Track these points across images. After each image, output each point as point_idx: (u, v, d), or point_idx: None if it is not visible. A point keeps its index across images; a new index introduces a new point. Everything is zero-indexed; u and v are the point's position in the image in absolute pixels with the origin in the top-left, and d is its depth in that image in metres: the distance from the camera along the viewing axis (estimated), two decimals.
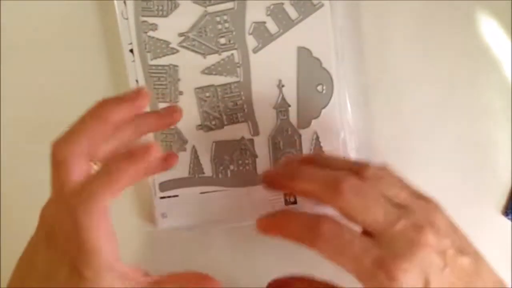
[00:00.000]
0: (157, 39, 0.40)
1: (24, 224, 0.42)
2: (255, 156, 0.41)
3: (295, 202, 0.42)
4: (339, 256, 0.32)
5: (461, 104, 0.42)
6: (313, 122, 0.41)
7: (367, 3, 0.41)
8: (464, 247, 0.33)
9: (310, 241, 0.32)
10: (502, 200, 0.43)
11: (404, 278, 0.30)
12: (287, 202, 0.42)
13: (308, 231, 0.32)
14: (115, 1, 0.40)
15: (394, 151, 0.42)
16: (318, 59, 0.40)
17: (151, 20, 0.40)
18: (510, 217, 0.43)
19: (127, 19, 0.40)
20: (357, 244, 0.31)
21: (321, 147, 0.41)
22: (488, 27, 0.41)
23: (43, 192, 0.37)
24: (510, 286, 0.35)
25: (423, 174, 0.42)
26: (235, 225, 0.42)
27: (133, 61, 0.40)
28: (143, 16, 0.40)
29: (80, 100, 0.42)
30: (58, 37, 0.42)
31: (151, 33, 0.40)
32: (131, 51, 0.40)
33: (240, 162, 0.41)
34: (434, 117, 0.42)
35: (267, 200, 0.41)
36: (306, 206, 0.41)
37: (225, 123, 0.41)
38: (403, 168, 0.43)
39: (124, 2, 0.40)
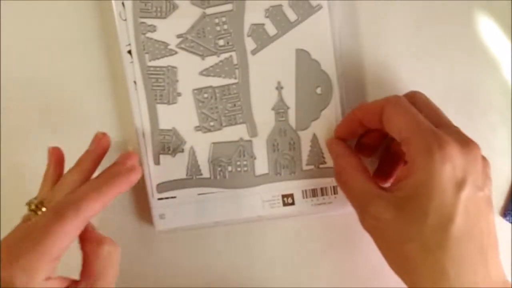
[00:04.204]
0: (156, 40, 0.40)
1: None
2: (253, 157, 0.41)
3: (293, 203, 0.42)
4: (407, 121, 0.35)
5: (459, 104, 0.42)
6: (312, 124, 0.41)
7: (365, 5, 0.41)
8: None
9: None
10: (501, 202, 0.43)
11: (450, 164, 0.33)
12: (285, 203, 0.42)
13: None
14: (113, 2, 0.39)
15: None
16: (317, 61, 0.40)
17: (149, 21, 0.40)
18: (508, 218, 0.43)
19: (125, 20, 0.40)
20: (425, 121, 0.34)
21: (320, 148, 0.41)
22: (488, 27, 0.41)
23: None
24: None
25: None
26: (233, 226, 0.42)
27: (131, 62, 0.40)
28: (141, 17, 0.40)
29: (79, 101, 0.42)
30: (57, 39, 0.42)
31: (149, 35, 0.40)
32: (129, 52, 0.40)
33: (238, 163, 0.41)
34: None
35: (265, 201, 0.42)
36: (303, 206, 0.42)
37: (223, 124, 0.41)
38: None
39: (123, 3, 0.39)
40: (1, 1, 0.42)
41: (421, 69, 0.42)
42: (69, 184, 0.36)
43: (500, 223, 0.43)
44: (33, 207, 0.35)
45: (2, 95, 0.42)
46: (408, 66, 0.42)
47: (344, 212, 0.42)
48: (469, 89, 0.42)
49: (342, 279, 0.44)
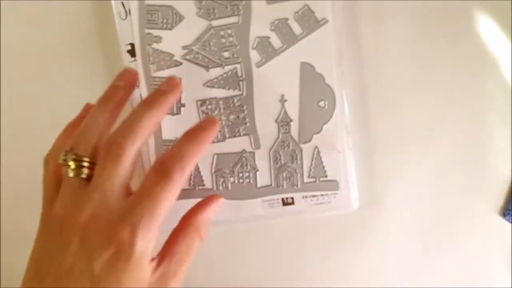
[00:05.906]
0: (161, 51, 0.40)
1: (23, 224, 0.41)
2: (256, 169, 0.42)
3: (292, 203, 0.42)
4: None
5: (460, 105, 0.42)
6: (315, 137, 0.41)
7: (367, 19, 0.42)
8: None
9: None
10: (501, 202, 0.43)
11: None
12: (284, 203, 0.42)
13: None
14: (112, 2, 0.40)
15: (393, 165, 0.43)
16: (321, 75, 0.40)
17: (155, 32, 0.40)
18: (508, 218, 0.43)
19: (125, 19, 0.40)
20: None
21: (321, 162, 0.41)
22: (488, 27, 0.41)
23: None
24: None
25: (422, 178, 0.43)
26: (233, 226, 0.43)
27: (131, 62, 0.40)
28: (147, 28, 0.40)
29: (80, 105, 0.42)
30: (57, 39, 0.42)
31: (155, 45, 0.40)
32: (129, 52, 0.40)
33: (240, 175, 0.42)
34: (433, 121, 0.43)
35: (264, 200, 0.42)
36: (303, 206, 0.42)
37: (227, 135, 0.41)
38: (402, 177, 0.43)
39: (122, 3, 0.40)
40: (1, 1, 0.42)
41: (421, 76, 0.42)
42: (99, 125, 0.34)
43: (500, 223, 0.43)
44: (71, 160, 0.33)
45: (2, 95, 0.42)
46: (410, 79, 0.42)
47: (343, 212, 0.42)
48: (469, 90, 0.42)
49: (342, 279, 0.44)
